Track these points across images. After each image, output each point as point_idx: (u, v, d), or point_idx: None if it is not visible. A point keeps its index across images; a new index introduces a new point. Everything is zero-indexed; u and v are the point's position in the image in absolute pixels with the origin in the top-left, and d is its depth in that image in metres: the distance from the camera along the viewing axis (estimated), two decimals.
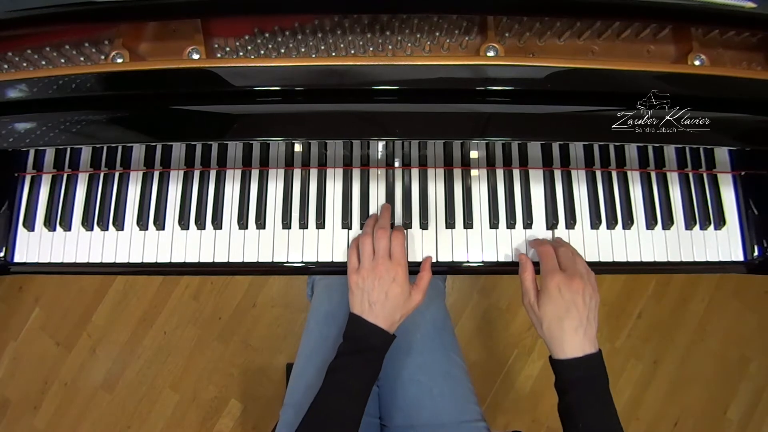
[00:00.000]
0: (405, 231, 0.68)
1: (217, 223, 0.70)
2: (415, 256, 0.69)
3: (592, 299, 0.58)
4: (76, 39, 0.62)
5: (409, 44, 0.63)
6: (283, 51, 0.62)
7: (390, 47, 0.62)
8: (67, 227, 0.71)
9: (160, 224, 0.70)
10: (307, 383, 0.73)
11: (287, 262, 0.69)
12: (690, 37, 0.61)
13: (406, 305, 0.62)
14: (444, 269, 0.70)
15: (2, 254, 0.70)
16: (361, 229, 0.70)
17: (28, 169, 0.73)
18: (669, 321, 1.44)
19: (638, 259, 0.69)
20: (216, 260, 0.69)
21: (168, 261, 0.69)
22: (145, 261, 0.70)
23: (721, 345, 1.43)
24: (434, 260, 0.69)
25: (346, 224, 0.70)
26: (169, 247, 0.70)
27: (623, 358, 1.42)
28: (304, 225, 0.70)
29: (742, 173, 0.71)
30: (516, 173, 0.71)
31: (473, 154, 0.71)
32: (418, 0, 0.54)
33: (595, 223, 0.69)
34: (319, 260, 0.69)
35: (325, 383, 0.59)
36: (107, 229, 0.71)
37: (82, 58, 0.63)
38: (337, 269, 0.69)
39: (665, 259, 0.69)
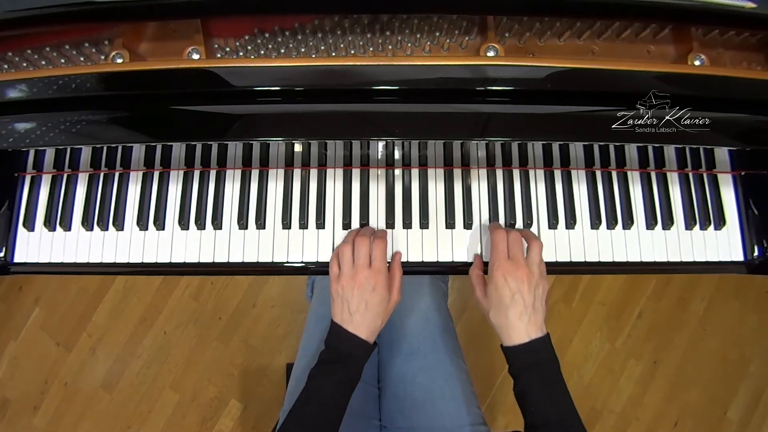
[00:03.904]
0: (404, 233, 0.69)
1: (217, 223, 0.70)
2: (416, 256, 0.69)
3: (538, 287, 0.60)
4: (76, 39, 0.62)
5: (409, 44, 0.63)
6: (283, 51, 0.62)
7: (390, 47, 0.62)
8: (67, 227, 0.71)
9: (160, 224, 0.70)
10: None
11: (287, 262, 0.69)
12: (690, 37, 0.61)
13: (386, 310, 0.62)
14: (444, 269, 0.70)
15: (2, 254, 0.70)
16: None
17: (28, 169, 0.73)
18: (669, 321, 1.44)
19: (638, 259, 0.69)
20: (216, 260, 0.69)
21: (168, 261, 0.69)
22: (145, 261, 0.69)
23: (721, 345, 1.43)
24: (435, 260, 0.69)
25: (347, 224, 0.69)
26: (169, 247, 0.70)
27: (623, 358, 1.42)
28: (304, 225, 0.70)
29: (742, 173, 0.71)
30: (516, 173, 0.71)
31: (473, 154, 0.71)
32: (418, 0, 0.54)
33: (595, 223, 0.69)
34: (319, 260, 0.69)
35: (305, 389, 0.59)
36: (107, 229, 0.71)
37: (82, 58, 0.62)
38: None
39: (665, 259, 0.69)
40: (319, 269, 0.70)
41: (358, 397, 0.74)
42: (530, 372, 0.57)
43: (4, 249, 0.71)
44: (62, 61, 0.62)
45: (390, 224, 0.69)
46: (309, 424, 0.58)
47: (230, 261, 0.69)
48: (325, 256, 0.69)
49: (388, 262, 0.66)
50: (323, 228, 0.70)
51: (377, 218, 0.70)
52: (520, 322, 0.58)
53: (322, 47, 0.62)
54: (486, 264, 0.66)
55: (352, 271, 0.61)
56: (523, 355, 0.58)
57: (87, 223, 0.71)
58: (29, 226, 0.71)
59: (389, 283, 0.63)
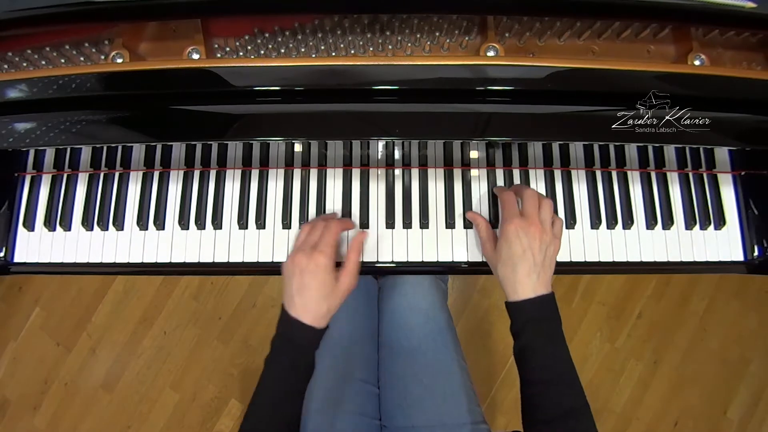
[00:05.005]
0: (404, 232, 0.69)
1: (217, 223, 0.70)
2: (416, 256, 0.69)
3: (550, 246, 0.59)
4: (76, 39, 0.62)
5: (409, 44, 0.63)
6: (283, 51, 0.62)
7: (390, 47, 0.62)
8: (67, 227, 0.71)
9: (160, 224, 0.70)
10: None
11: None
12: (690, 37, 0.61)
13: (332, 294, 0.59)
14: (444, 269, 0.70)
15: (2, 254, 0.70)
16: (361, 228, 0.70)
17: (28, 169, 0.73)
18: (669, 321, 1.44)
19: (638, 259, 0.69)
20: (216, 260, 0.69)
21: (168, 261, 0.69)
22: (145, 261, 0.69)
23: (721, 345, 1.43)
24: (435, 260, 0.69)
25: None
26: (169, 247, 0.70)
27: (623, 358, 1.42)
28: None
29: (742, 173, 0.71)
30: (516, 173, 0.71)
31: (473, 154, 0.71)
32: (418, 0, 0.54)
33: (595, 223, 0.69)
34: None
35: (260, 378, 0.57)
36: (107, 229, 0.71)
37: (82, 58, 0.63)
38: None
39: (665, 259, 0.69)
40: None
41: (358, 396, 0.74)
42: (533, 329, 0.56)
43: (4, 249, 0.71)
44: (62, 61, 0.62)
45: (390, 224, 0.69)
46: (261, 412, 0.56)
47: (230, 261, 0.69)
48: None
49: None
50: None
51: (377, 218, 0.70)
52: (528, 279, 0.57)
53: (322, 47, 0.62)
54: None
55: (294, 252, 0.60)
56: (527, 311, 0.57)
57: (87, 223, 0.71)
58: (29, 226, 0.71)
59: (343, 267, 0.61)
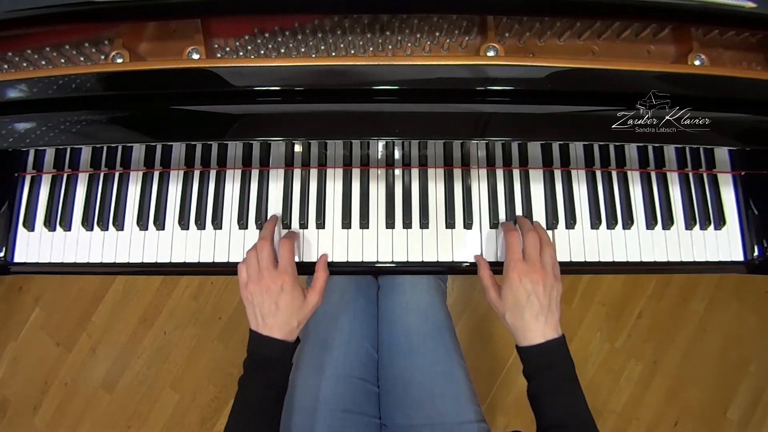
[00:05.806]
0: (404, 232, 0.69)
1: (217, 223, 0.70)
2: (416, 256, 0.69)
3: (553, 289, 0.60)
4: (76, 39, 0.62)
5: (409, 44, 0.63)
6: (283, 51, 0.62)
7: (390, 47, 0.62)
8: (67, 227, 0.71)
9: (160, 224, 0.70)
10: (304, 384, 0.73)
11: None
12: (690, 37, 0.61)
13: (302, 310, 0.61)
14: (444, 269, 0.70)
15: (2, 254, 0.70)
16: (360, 228, 0.70)
17: (28, 169, 0.73)
18: (669, 321, 1.44)
19: (638, 259, 0.69)
20: (216, 260, 0.69)
21: (168, 261, 0.69)
22: (145, 261, 0.70)
23: (721, 345, 1.43)
24: (435, 260, 0.69)
25: (346, 224, 0.70)
26: (169, 247, 0.70)
27: (623, 358, 1.42)
28: (304, 225, 0.70)
29: (742, 173, 0.71)
30: (516, 173, 0.71)
31: (473, 154, 0.71)
32: (418, 0, 0.54)
33: (595, 223, 0.69)
34: None
35: (236, 399, 0.59)
36: (107, 229, 0.71)
37: (82, 58, 0.63)
38: (337, 269, 0.69)
39: (665, 259, 0.69)
40: None
41: (357, 395, 0.74)
42: (545, 373, 0.57)
43: (4, 249, 0.71)
44: (62, 61, 0.62)
45: (390, 224, 0.69)
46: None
47: (230, 261, 0.69)
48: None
49: (312, 262, 0.67)
50: (323, 228, 0.70)
51: (377, 218, 0.70)
52: (536, 323, 0.58)
53: (322, 47, 0.62)
54: (492, 263, 0.66)
55: (257, 275, 0.60)
56: (538, 356, 0.58)
57: (87, 223, 0.71)
58: (29, 226, 0.71)
59: (312, 285, 0.63)
